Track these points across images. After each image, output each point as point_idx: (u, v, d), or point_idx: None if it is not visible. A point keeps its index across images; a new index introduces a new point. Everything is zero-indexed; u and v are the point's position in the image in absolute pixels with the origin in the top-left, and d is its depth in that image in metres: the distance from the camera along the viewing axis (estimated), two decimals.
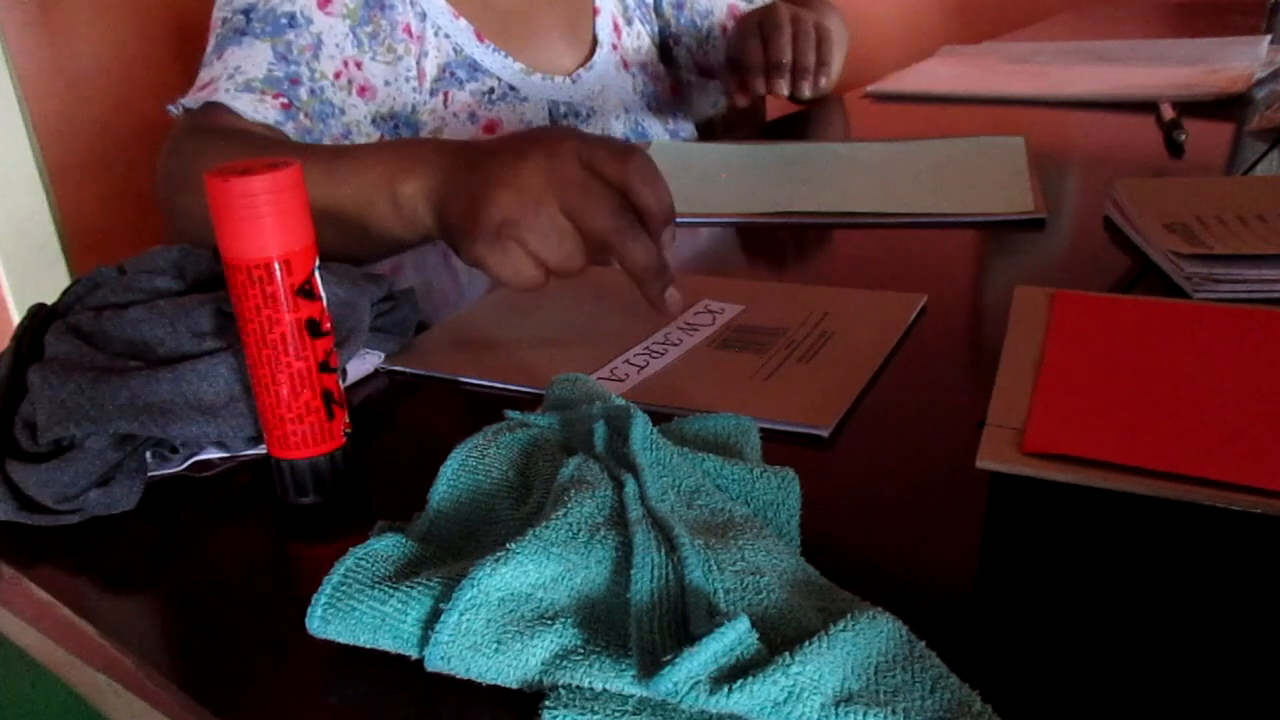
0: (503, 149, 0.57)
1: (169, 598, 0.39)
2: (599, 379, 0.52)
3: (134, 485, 0.44)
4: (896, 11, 2.92)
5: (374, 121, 0.91)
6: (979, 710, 0.27)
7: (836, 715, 0.27)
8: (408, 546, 0.35)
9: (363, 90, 0.89)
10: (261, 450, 0.47)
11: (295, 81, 0.82)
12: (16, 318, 0.44)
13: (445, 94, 0.93)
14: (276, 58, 0.81)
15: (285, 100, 0.81)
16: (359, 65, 0.87)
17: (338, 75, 0.85)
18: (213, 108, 0.79)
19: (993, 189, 0.80)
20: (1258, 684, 0.30)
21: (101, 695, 0.36)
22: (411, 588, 0.32)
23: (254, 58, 0.80)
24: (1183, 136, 0.91)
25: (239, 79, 0.79)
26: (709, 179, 0.91)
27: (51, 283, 1.50)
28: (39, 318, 0.52)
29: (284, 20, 0.82)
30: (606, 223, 0.53)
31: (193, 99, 0.80)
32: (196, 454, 0.48)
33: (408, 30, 0.90)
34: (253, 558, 0.41)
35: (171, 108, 0.83)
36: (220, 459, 0.48)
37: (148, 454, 0.46)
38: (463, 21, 0.93)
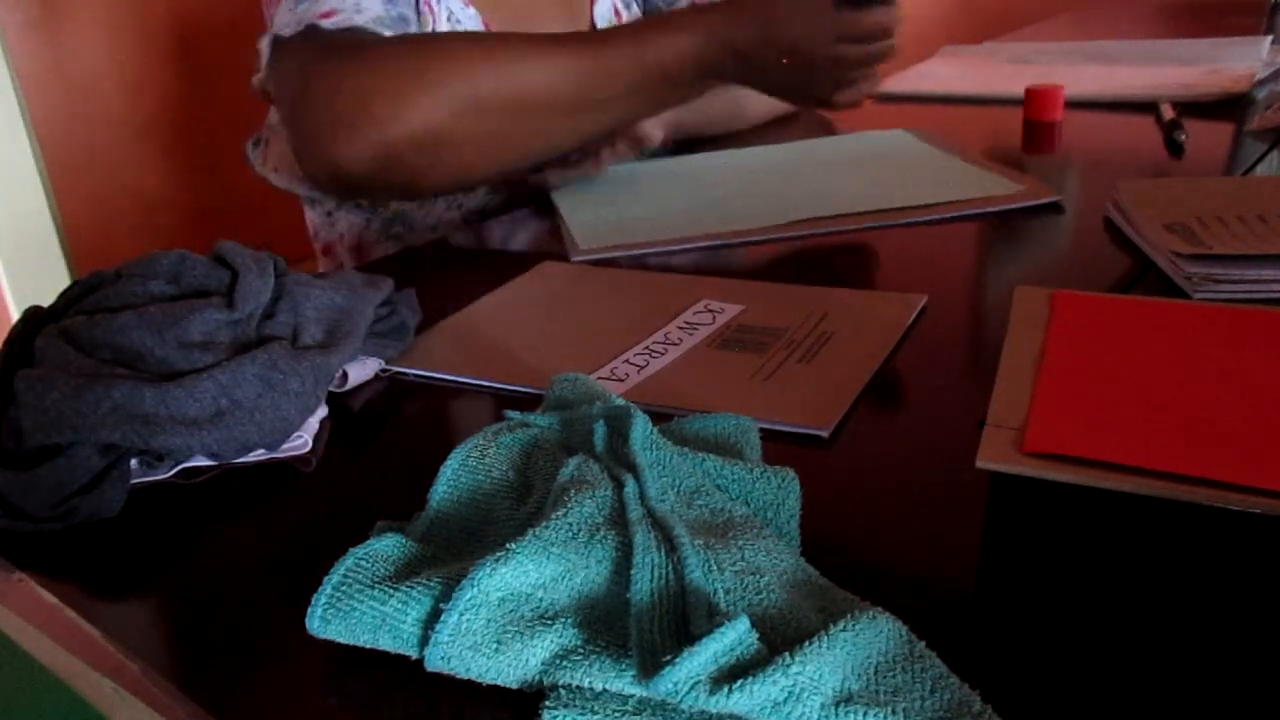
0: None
1: (171, 600, 0.39)
2: (599, 379, 0.52)
3: (118, 492, 0.44)
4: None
5: None
6: (979, 710, 0.27)
7: (836, 715, 0.27)
8: (408, 546, 0.35)
9: None
10: (254, 458, 0.47)
11: (405, 21, 0.82)
12: (16, 318, 0.45)
13: None
14: None
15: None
16: None
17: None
18: (351, 33, 0.76)
19: (955, 180, 0.80)
20: (1258, 684, 0.30)
21: (105, 699, 0.36)
22: (411, 588, 0.32)
23: None
24: (1183, 136, 0.91)
25: (368, 14, 0.78)
26: (709, 188, 0.91)
27: (51, 283, 1.50)
28: (32, 321, 0.51)
29: None
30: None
31: (313, 22, 0.76)
32: (183, 462, 0.47)
33: (427, 4, 0.90)
34: (253, 559, 0.41)
35: (285, 32, 0.78)
36: (208, 466, 0.48)
37: (134, 461, 0.46)
38: (472, 10, 0.94)
